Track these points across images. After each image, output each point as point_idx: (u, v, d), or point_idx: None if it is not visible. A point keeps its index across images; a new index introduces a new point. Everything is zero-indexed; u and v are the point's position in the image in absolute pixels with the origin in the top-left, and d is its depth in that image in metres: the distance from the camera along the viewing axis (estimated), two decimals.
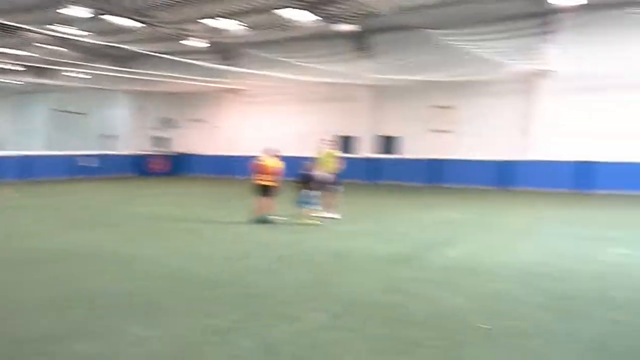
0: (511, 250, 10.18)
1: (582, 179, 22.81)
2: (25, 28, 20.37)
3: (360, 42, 27.92)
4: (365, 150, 29.63)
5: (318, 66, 23.98)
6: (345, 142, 29.17)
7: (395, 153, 29.05)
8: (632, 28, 20.14)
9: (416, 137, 28.36)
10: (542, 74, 24.18)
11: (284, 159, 13.43)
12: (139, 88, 33.53)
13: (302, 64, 24.39)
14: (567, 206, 18.05)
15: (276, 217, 13.05)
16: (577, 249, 10.26)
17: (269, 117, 32.88)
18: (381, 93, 29.14)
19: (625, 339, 5.47)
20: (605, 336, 5.55)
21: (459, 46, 20.87)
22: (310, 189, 13.19)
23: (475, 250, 10.11)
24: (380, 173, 27.72)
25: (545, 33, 22.24)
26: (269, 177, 13.04)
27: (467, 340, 5.37)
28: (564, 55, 22.35)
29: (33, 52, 29.45)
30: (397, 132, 29.18)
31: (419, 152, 27.44)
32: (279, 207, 13.29)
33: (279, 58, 24.88)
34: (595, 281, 7.82)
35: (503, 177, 24.56)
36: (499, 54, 20.92)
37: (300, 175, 13.39)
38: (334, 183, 14.19)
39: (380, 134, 29.78)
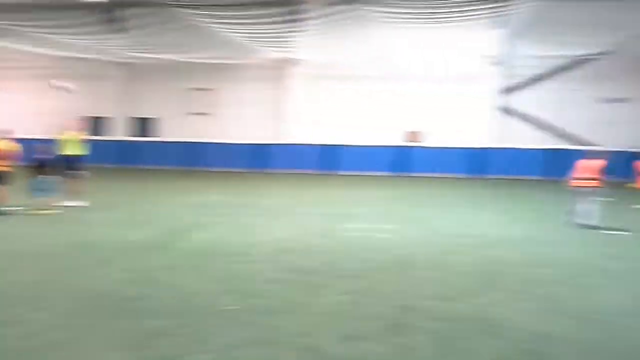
0: (263, 229, 10.50)
1: (328, 161, 24.81)
2: None
3: (109, 15, 25.94)
4: (118, 133, 27.92)
5: (60, 38, 21.62)
6: (95, 124, 27.09)
7: (152, 135, 27.96)
8: (370, 23, 22.25)
9: (174, 119, 27.73)
10: (292, 61, 25.56)
11: (20, 141, 11.83)
12: None
13: (40, 34, 21.72)
14: (315, 186, 19.42)
15: (10, 208, 11.43)
16: (322, 225, 11.05)
17: (1, 94, 28.79)
18: (136, 72, 27.69)
19: (362, 306, 5.98)
20: (343, 305, 6.01)
21: (211, 28, 20.72)
22: (47, 174, 11.83)
23: (228, 232, 10.18)
24: (135, 157, 26.38)
25: (294, 22, 23.39)
26: (2, 162, 11.36)
27: (214, 323, 5.30)
28: (311, 45, 23.84)
29: None
30: (154, 114, 28.11)
31: (178, 135, 26.85)
32: (14, 196, 11.67)
33: (8, 26, 21.73)
34: (336, 254, 8.48)
35: (259, 160, 25.42)
36: (251, 39, 21.40)
37: (35, 160, 11.91)
38: (78, 167, 12.99)
39: (135, 116, 28.34)
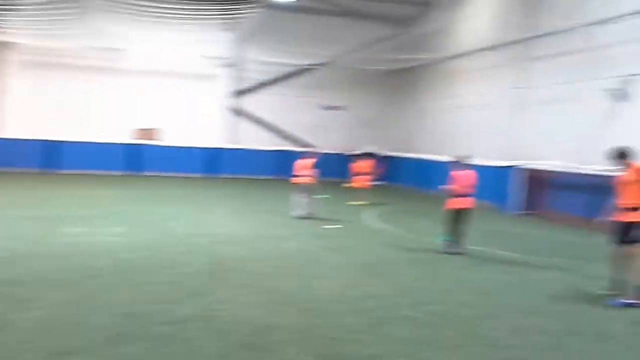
0: None
1: (49, 159, 22.32)
2: None
3: None
4: None
5: None
6: None
7: None
8: (100, 12, 20.61)
9: None
10: (8, 45, 22.45)
11: None
12: None
13: None
14: (33, 186, 17.26)
15: None
16: (37, 230, 9.84)
17: None
18: None
19: (77, 318, 5.40)
20: (54, 318, 5.34)
21: None
22: None
23: None
24: None
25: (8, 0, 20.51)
26: None
27: None
28: (31, 28, 21.17)
29: None
30: None
31: None
32: None
33: None
34: (50, 262, 7.57)
35: None
36: None
37: None
38: None
39: None
